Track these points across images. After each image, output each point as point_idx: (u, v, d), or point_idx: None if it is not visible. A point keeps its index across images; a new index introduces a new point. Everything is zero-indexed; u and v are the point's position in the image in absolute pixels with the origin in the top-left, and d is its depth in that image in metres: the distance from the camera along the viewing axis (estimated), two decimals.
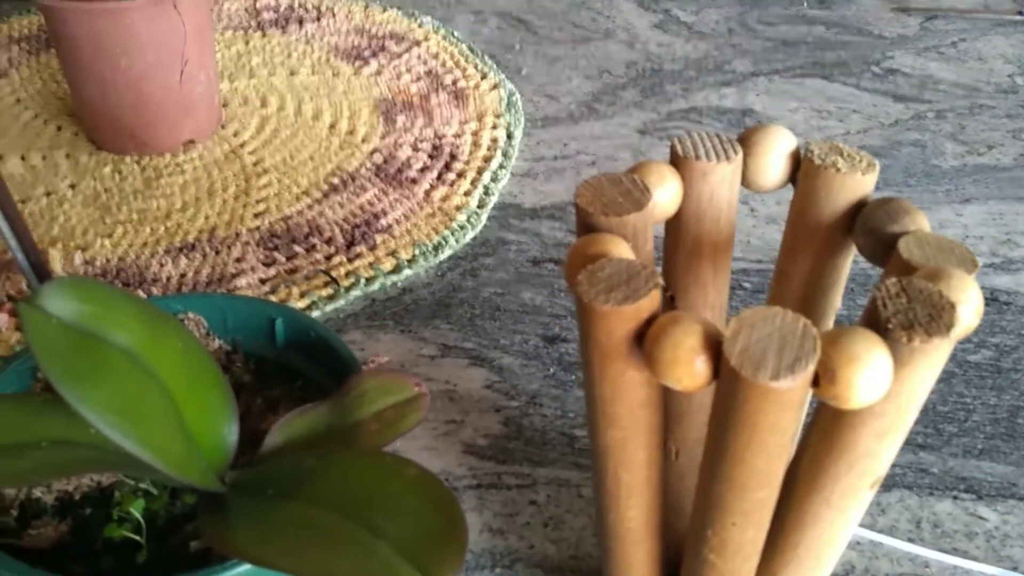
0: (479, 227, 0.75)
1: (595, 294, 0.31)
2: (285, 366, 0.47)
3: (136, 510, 0.36)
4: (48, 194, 0.78)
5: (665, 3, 1.14)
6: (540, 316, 0.67)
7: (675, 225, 0.39)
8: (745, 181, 0.39)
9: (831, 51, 1.03)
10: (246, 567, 0.35)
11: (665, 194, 0.37)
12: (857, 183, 0.37)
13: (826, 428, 0.33)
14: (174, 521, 0.38)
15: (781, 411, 0.29)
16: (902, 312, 0.30)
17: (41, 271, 0.32)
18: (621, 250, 0.33)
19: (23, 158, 0.82)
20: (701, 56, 1.02)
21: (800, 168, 0.38)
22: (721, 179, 0.38)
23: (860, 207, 0.37)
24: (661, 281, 0.31)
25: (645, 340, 0.31)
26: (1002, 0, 1.15)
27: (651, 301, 0.31)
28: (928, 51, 1.03)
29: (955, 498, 0.55)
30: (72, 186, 0.78)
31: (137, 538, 0.36)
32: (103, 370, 0.32)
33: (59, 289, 0.32)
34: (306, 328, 0.46)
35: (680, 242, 0.39)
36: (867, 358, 0.28)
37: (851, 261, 0.40)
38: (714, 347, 0.30)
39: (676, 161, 0.38)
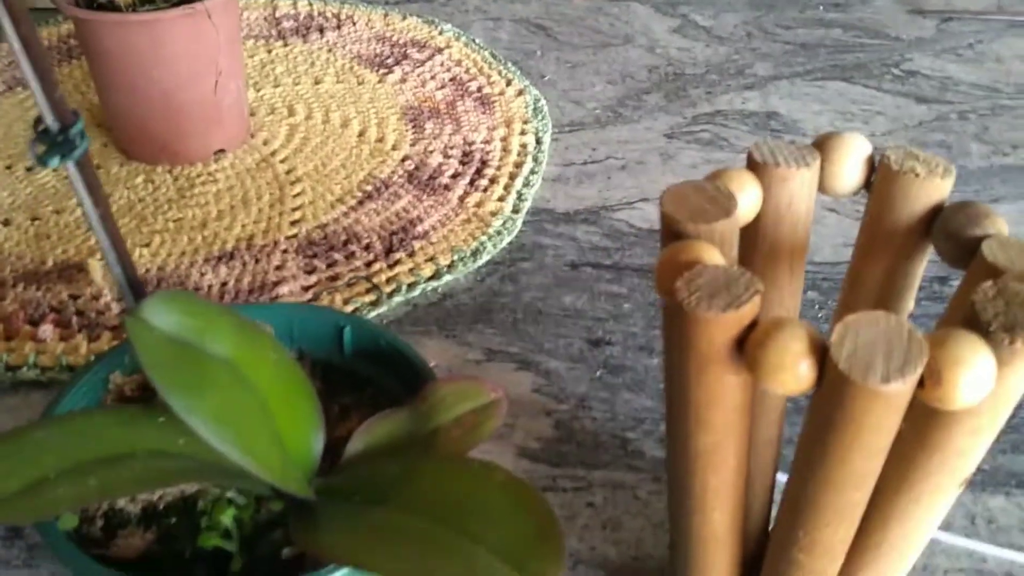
0: (515, 232, 0.76)
1: (696, 301, 0.31)
2: (352, 374, 0.47)
3: (227, 519, 0.36)
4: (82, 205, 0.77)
5: (682, 8, 1.15)
6: (582, 320, 0.68)
7: (752, 230, 0.39)
8: (821, 187, 0.39)
9: (850, 54, 1.04)
10: (343, 572, 0.35)
11: (746, 200, 0.37)
12: (935, 188, 0.37)
13: (919, 426, 0.34)
14: (259, 529, 0.38)
15: (887, 413, 0.30)
16: (1002, 314, 0.30)
17: (137, 286, 0.32)
18: (713, 257, 0.34)
19: (55, 169, 0.82)
20: (722, 60, 1.03)
21: (877, 173, 0.39)
22: (800, 185, 0.38)
23: (937, 211, 0.38)
24: (761, 287, 0.31)
25: (747, 345, 0.31)
26: (1015, 1, 1.17)
27: (753, 307, 0.31)
28: (946, 53, 1.04)
29: (1007, 494, 0.55)
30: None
31: (230, 547, 0.36)
32: (206, 381, 0.32)
33: (161, 302, 0.32)
34: (375, 336, 0.46)
35: (757, 247, 0.40)
36: (973, 360, 0.29)
37: (925, 264, 0.40)
38: (818, 351, 0.30)
39: (754, 167, 0.38)
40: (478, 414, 0.41)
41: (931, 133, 0.90)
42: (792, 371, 0.30)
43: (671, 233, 0.36)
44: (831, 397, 0.30)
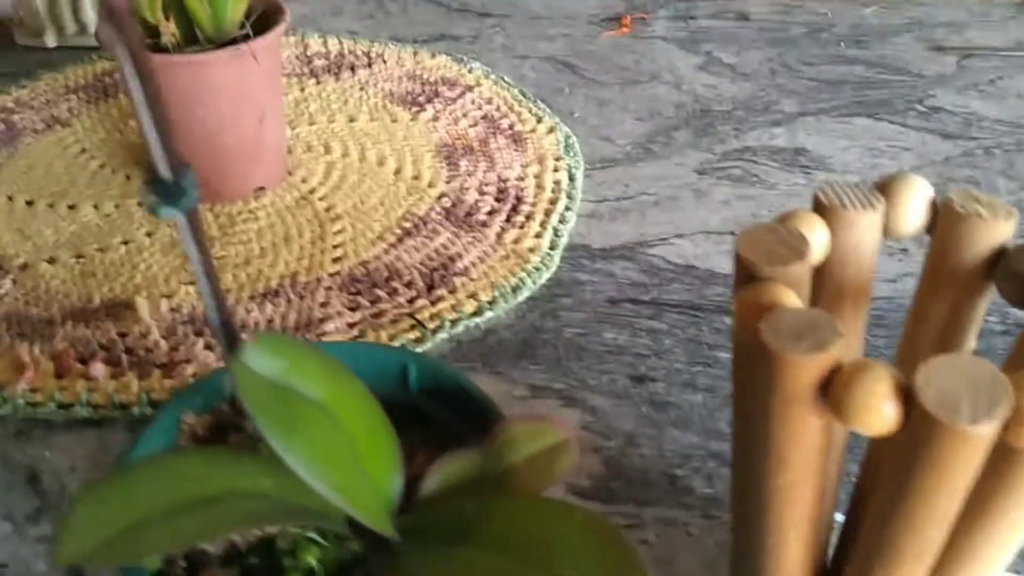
0: (553, 268, 0.77)
1: (782, 343, 0.32)
2: (416, 411, 0.47)
3: (312, 558, 0.37)
4: (126, 242, 0.79)
5: (705, 45, 1.17)
6: (624, 356, 0.68)
7: (818, 272, 0.40)
8: (885, 229, 0.40)
9: (874, 90, 1.05)
10: None
11: (816, 243, 0.38)
12: (999, 230, 0.38)
13: (995, 465, 0.34)
14: (341, 569, 0.39)
15: (974, 454, 0.30)
16: None
17: (232, 333, 0.33)
18: (791, 299, 0.35)
19: (96, 207, 0.83)
20: (748, 97, 1.04)
21: (940, 216, 0.40)
22: (867, 228, 0.39)
23: (1000, 253, 0.39)
24: (843, 330, 0.32)
25: (832, 387, 0.32)
26: None
27: (837, 349, 0.32)
28: (968, 89, 1.06)
29: None
30: (148, 234, 0.80)
31: None
32: (303, 422, 0.33)
33: (259, 347, 0.33)
34: (440, 374, 0.47)
35: (823, 288, 0.40)
36: None
37: (987, 304, 0.41)
38: (902, 393, 0.31)
39: (821, 210, 0.39)
40: (550, 454, 0.41)
41: (958, 169, 0.91)
42: (877, 413, 0.31)
43: (745, 275, 0.37)
44: (917, 439, 0.31)
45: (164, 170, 0.31)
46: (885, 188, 0.40)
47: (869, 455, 0.48)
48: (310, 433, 0.33)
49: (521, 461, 0.41)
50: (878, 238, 0.40)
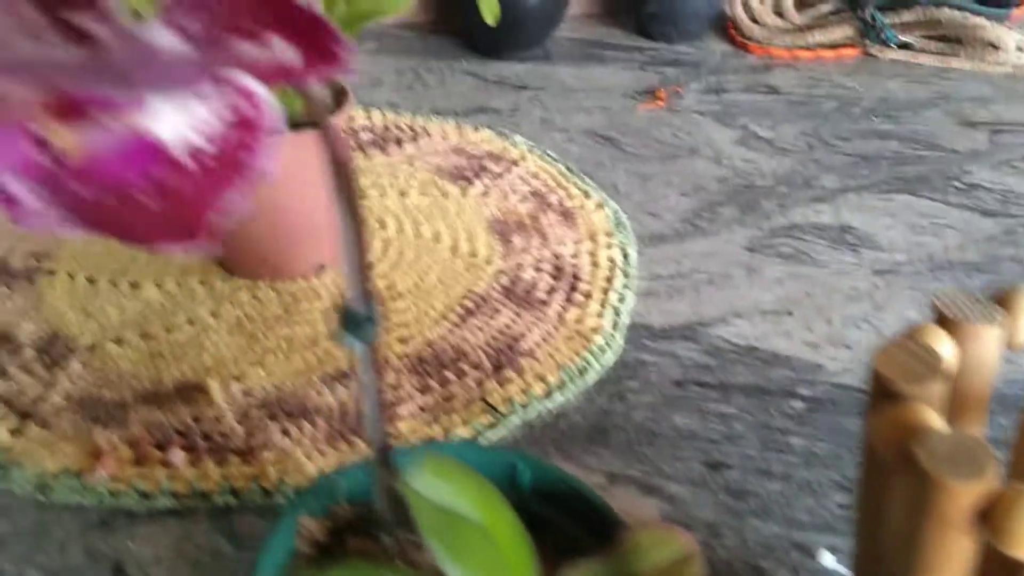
0: (617, 350, 0.78)
1: (941, 469, 0.33)
2: (529, 515, 0.48)
3: None
4: (191, 322, 0.79)
5: (740, 118, 1.19)
6: (696, 441, 0.69)
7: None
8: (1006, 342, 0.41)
9: (910, 166, 1.08)
10: None
11: (945, 357, 0.39)
12: None
13: None
14: None
15: None
16: None
17: (386, 451, 0.33)
18: (935, 420, 0.35)
19: (158, 285, 0.84)
20: (788, 172, 1.06)
21: None
22: (991, 341, 0.40)
23: None
24: (995, 453, 0.33)
25: (992, 513, 0.32)
26: None
27: (993, 474, 0.33)
28: (1002, 165, 1.08)
29: None
30: (213, 314, 0.80)
31: None
32: (469, 545, 0.33)
33: (424, 471, 0.33)
34: (550, 476, 0.47)
35: (949, 401, 0.41)
36: None
37: None
38: None
39: (944, 323, 0.40)
40: (677, 565, 0.42)
41: (1002, 247, 0.93)
42: None
43: (882, 391, 0.38)
44: None
45: (356, 300, 0.32)
46: (1004, 301, 0.42)
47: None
48: (476, 555, 0.33)
49: (650, 572, 0.41)
50: (1001, 351, 0.41)
